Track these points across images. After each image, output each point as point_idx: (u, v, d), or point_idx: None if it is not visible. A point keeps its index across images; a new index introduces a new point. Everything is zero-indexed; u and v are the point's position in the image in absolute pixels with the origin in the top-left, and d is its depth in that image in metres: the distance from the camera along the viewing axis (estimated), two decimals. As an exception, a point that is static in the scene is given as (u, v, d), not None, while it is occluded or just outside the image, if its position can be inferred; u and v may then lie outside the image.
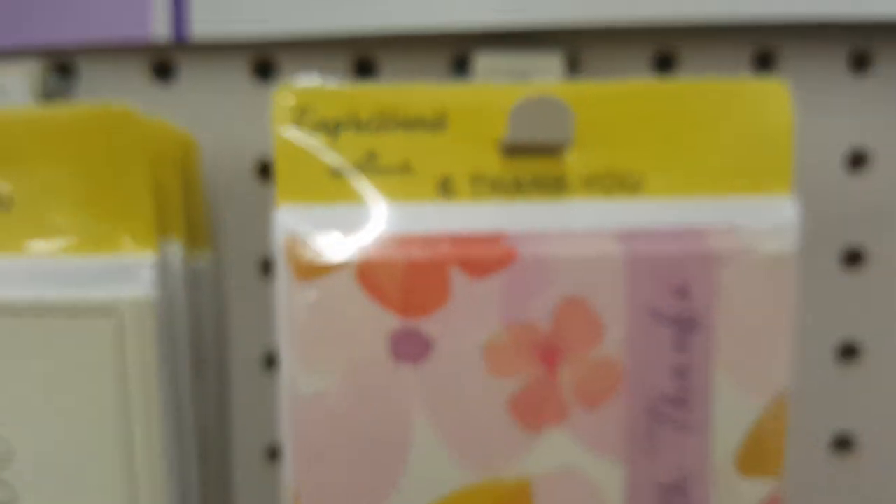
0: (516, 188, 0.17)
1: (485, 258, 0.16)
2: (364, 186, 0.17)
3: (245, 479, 0.23)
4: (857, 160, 0.23)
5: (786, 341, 0.17)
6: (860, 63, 0.22)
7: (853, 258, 0.23)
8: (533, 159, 0.17)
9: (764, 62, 0.22)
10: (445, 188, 0.17)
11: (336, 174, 0.17)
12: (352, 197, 0.16)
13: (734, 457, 0.17)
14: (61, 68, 0.22)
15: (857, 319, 0.23)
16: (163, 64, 0.22)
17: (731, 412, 0.17)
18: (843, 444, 0.24)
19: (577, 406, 0.17)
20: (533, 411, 0.16)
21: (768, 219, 0.17)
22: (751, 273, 0.17)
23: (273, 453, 0.23)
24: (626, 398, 0.17)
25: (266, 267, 0.23)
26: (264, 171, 0.22)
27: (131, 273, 0.17)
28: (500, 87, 0.17)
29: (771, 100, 0.17)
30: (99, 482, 0.18)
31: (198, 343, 0.20)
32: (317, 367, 0.16)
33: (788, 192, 0.17)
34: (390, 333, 0.16)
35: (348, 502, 0.16)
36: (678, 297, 0.17)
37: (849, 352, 0.23)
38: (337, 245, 0.16)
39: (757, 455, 0.17)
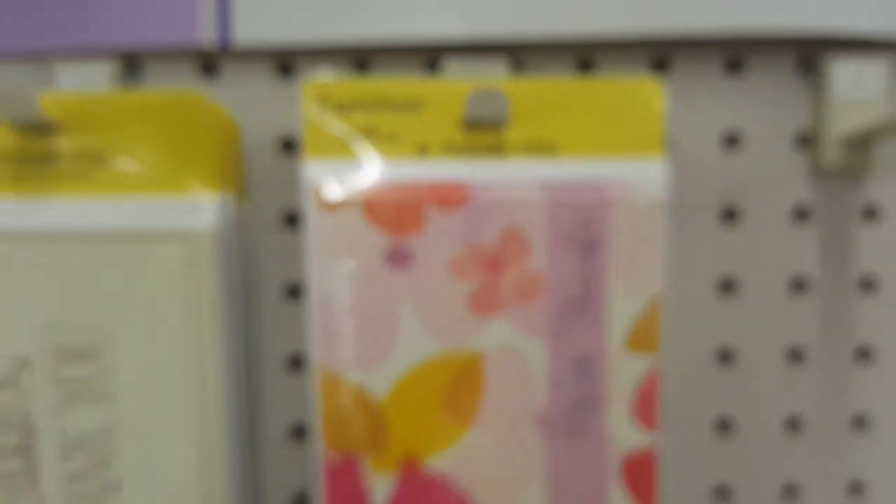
0: (472, 151, 0.24)
1: (450, 199, 0.24)
2: (366, 149, 0.24)
3: (271, 384, 0.30)
4: (731, 140, 0.30)
5: (659, 261, 0.25)
6: (734, 67, 0.30)
7: (729, 215, 0.31)
8: (483, 132, 0.24)
9: (661, 66, 0.30)
10: (423, 151, 0.24)
11: (346, 140, 0.24)
12: (357, 156, 0.24)
13: (624, 339, 0.25)
14: (130, 65, 0.29)
15: (732, 261, 0.31)
16: (209, 64, 0.29)
17: (621, 308, 0.24)
18: (723, 357, 0.31)
19: (514, 302, 0.24)
20: (483, 305, 0.24)
21: (645, 176, 0.24)
22: (633, 213, 0.24)
23: (294, 362, 0.30)
24: (547, 297, 0.24)
25: (288, 218, 0.30)
26: (286, 146, 0.30)
27: (201, 210, 0.24)
28: (460, 81, 0.24)
29: (650, 92, 0.25)
30: (174, 368, 0.25)
31: (242, 270, 0.27)
32: (334, 272, 0.23)
33: (661, 158, 0.25)
34: (385, 249, 0.23)
35: (356, 367, 0.24)
36: (583, 230, 0.24)
37: (726, 286, 0.31)
38: (348, 188, 0.23)
39: (640, 338, 0.25)
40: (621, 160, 0.25)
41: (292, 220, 0.30)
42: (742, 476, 0.32)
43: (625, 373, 0.25)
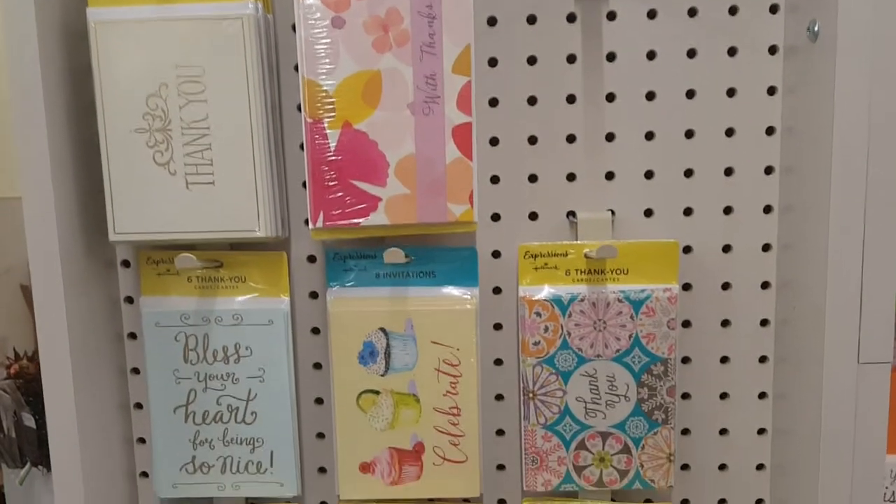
0: None
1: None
2: None
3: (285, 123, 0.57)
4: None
5: (469, 25, 0.50)
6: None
7: (530, 61, 0.55)
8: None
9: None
10: None
11: None
12: None
13: (451, 66, 0.50)
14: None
15: (532, 86, 0.56)
16: (251, -59, 0.55)
17: (449, 50, 0.50)
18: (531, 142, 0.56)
19: (395, 46, 0.50)
20: (380, 47, 0.50)
21: (461, -18, 0.50)
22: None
23: (297, 107, 0.57)
24: (412, 44, 0.50)
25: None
26: (292, -15, 0.55)
27: (247, 6, 0.51)
28: None
29: None
30: (236, 82, 0.52)
31: (268, 46, 0.54)
32: (311, 28, 0.49)
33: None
34: (331, 17, 0.49)
35: (320, 75, 0.50)
36: (429, 8, 0.49)
37: (531, 101, 0.56)
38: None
39: (460, 67, 0.50)
40: None
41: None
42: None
43: (452, 84, 0.50)
